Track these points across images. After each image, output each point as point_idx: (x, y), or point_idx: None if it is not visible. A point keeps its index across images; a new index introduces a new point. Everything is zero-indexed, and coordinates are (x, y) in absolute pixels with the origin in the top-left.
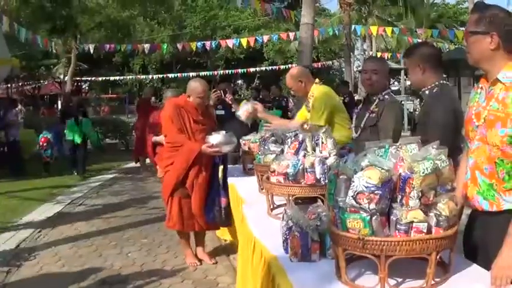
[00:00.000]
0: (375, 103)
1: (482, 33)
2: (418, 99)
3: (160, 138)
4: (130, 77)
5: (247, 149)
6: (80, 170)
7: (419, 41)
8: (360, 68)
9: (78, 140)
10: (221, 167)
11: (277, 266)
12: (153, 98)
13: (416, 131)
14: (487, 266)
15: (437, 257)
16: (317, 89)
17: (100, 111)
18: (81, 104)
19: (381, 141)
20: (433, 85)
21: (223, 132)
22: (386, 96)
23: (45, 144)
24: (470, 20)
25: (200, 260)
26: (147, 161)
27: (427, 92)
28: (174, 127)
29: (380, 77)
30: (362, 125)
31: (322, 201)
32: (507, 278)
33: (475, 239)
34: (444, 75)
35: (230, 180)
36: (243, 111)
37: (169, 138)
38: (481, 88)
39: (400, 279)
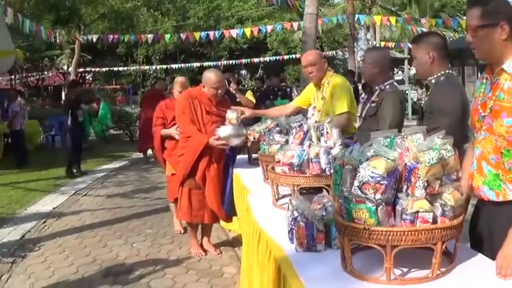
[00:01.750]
0: (376, 93)
1: (491, 26)
2: (424, 89)
3: (169, 131)
4: (134, 67)
5: (252, 139)
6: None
7: (424, 30)
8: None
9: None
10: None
11: (283, 257)
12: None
13: (424, 120)
14: (492, 255)
15: (443, 246)
16: (335, 78)
17: (116, 101)
18: (80, 97)
19: (386, 131)
20: (439, 74)
21: (234, 124)
22: (387, 86)
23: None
24: (473, 15)
25: (205, 251)
26: (149, 151)
27: (433, 81)
28: (185, 118)
29: (366, 65)
30: (363, 115)
31: (328, 191)
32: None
33: (481, 229)
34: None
35: (235, 171)
36: (232, 119)
37: (181, 129)
38: (486, 78)
39: (405, 269)
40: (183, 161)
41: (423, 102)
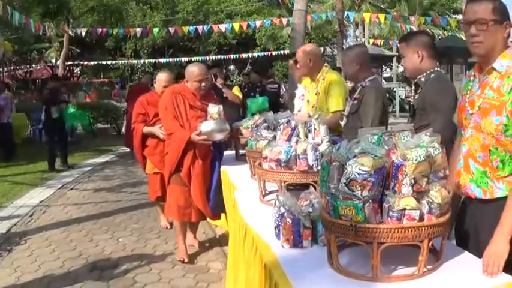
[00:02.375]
0: (358, 90)
1: (500, 22)
2: (413, 87)
3: (153, 129)
4: (122, 61)
5: (239, 135)
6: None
7: (413, 27)
8: None
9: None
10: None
11: (269, 253)
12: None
13: (416, 117)
14: (478, 253)
15: (430, 244)
16: (331, 74)
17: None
18: (56, 91)
19: (371, 128)
20: (428, 72)
21: (216, 119)
22: (367, 83)
23: None
24: (485, 9)
25: (192, 258)
26: None
27: (422, 79)
28: (168, 114)
29: (347, 65)
30: (347, 113)
31: (314, 187)
32: (498, 265)
33: (467, 226)
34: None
35: (222, 167)
36: (213, 113)
37: (164, 126)
38: (474, 76)
39: (392, 266)
40: (168, 159)
41: (412, 100)
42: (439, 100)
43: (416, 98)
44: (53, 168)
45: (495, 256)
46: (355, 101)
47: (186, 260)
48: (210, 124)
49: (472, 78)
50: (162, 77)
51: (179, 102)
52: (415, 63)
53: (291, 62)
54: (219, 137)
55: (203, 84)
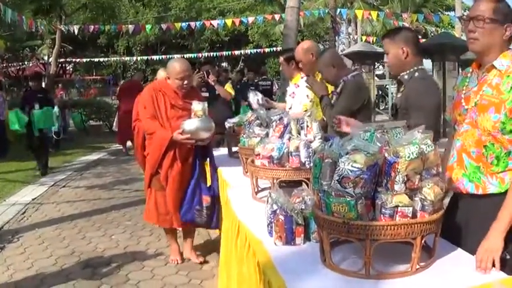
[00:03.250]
0: (340, 86)
1: (499, 22)
2: (396, 84)
3: None
4: (115, 58)
5: (232, 132)
6: (39, 166)
7: (406, 25)
8: (344, 52)
9: (19, 129)
10: (207, 161)
11: (262, 250)
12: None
13: (399, 117)
14: (466, 248)
15: (422, 241)
16: None
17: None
18: (42, 90)
19: (366, 125)
20: (412, 70)
21: (201, 116)
22: (349, 78)
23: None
24: (486, 7)
25: (186, 260)
26: (129, 143)
27: (406, 76)
28: (146, 113)
29: (324, 70)
30: None
31: (307, 184)
32: (492, 261)
33: (455, 221)
34: (429, 60)
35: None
36: (198, 111)
37: (143, 125)
38: (471, 73)
39: (385, 263)
40: (148, 161)
41: (394, 98)
42: (422, 100)
43: (399, 96)
44: (45, 173)
45: (489, 251)
46: (336, 96)
47: (180, 261)
48: (195, 122)
49: (469, 75)
50: (162, 74)
51: (159, 100)
52: (399, 60)
53: (281, 59)
54: (204, 135)
55: (185, 82)
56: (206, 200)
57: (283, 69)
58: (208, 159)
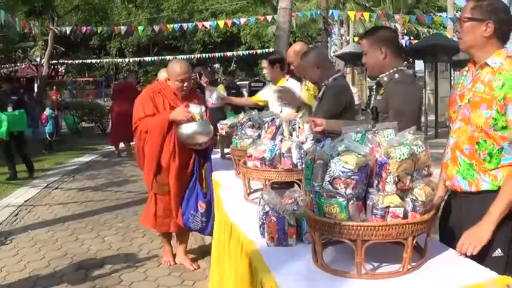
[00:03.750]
0: (322, 89)
1: (478, 21)
2: (374, 86)
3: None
4: (107, 60)
5: (224, 134)
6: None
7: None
8: (337, 53)
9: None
10: (206, 165)
11: (254, 251)
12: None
13: (379, 121)
14: None
15: (414, 241)
16: None
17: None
18: (16, 92)
19: (358, 126)
20: (392, 71)
21: (198, 120)
22: (330, 81)
23: (43, 121)
24: (467, 7)
25: (180, 265)
26: (121, 145)
27: (385, 78)
28: (142, 112)
29: (309, 70)
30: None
31: (299, 185)
32: (474, 248)
33: (450, 220)
34: (421, 61)
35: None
36: (195, 114)
37: (140, 126)
38: (467, 71)
39: (376, 264)
40: (148, 156)
41: (373, 100)
42: (404, 103)
43: (378, 98)
44: (14, 178)
45: (471, 237)
46: (318, 100)
47: (172, 263)
48: (193, 126)
49: (465, 73)
50: (164, 75)
51: (158, 101)
52: (378, 61)
53: (265, 63)
54: (201, 139)
55: (185, 84)
56: (202, 206)
57: (267, 72)
58: (206, 164)
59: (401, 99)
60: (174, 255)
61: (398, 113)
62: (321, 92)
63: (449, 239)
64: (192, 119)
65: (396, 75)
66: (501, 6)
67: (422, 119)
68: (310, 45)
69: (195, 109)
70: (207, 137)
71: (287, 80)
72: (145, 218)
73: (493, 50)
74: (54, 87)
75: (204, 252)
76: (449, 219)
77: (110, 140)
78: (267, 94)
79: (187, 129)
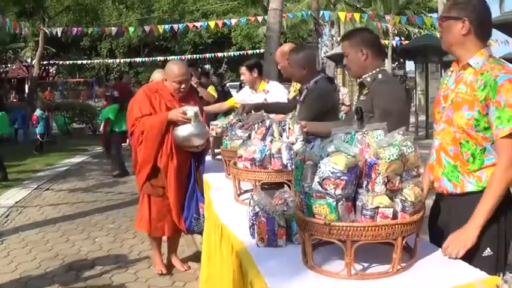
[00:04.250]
0: (304, 93)
1: (454, 19)
2: (357, 87)
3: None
4: (98, 61)
5: (214, 134)
6: None
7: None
8: (327, 54)
9: None
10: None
11: (244, 252)
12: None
13: (365, 121)
14: None
15: (403, 242)
16: None
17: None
18: None
19: (347, 128)
20: (374, 72)
21: (194, 121)
22: (311, 84)
23: (34, 122)
24: (446, 6)
25: (171, 269)
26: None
27: (368, 79)
28: (138, 113)
29: (294, 68)
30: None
31: (289, 186)
32: (458, 252)
33: (439, 222)
34: (412, 61)
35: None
36: (190, 116)
37: (135, 126)
38: (452, 71)
39: (366, 264)
40: (143, 156)
41: (356, 101)
42: (390, 103)
43: (362, 99)
44: (5, 179)
45: (455, 241)
46: (300, 103)
47: (165, 272)
48: (189, 128)
49: (449, 73)
50: (157, 76)
51: (155, 101)
52: (359, 62)
53: (243, 68)
54: (198, 142)
55: (183, 86)
56: (203, 208)
57: (245, 78)
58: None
59: (386, 99)
60: (164, 264)
61: (385, 112)
62: (302, 95)
63: (439, 240)
64: (187, 122)
65: (379, 76)
66: (478, 3)
67: (413, 120)
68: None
69: (190, 111)
70: (203, 139)
71: (268, 82)
72: (139, 223)
73: (474, 49)
74: (48, 88)
75: (195, 253)
76: (438, 220)
77: (100, 140)
78: (243, 97)
79: (183, 131)
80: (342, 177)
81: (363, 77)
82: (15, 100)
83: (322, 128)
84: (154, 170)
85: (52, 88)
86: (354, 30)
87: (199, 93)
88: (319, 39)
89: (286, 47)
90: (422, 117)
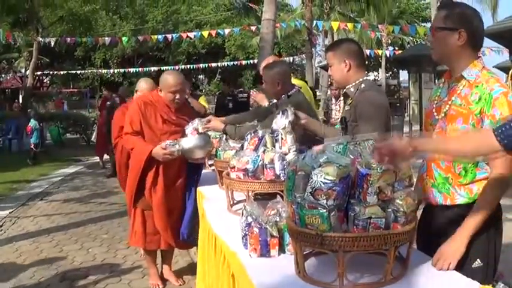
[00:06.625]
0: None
1: (450, 29)
2: (342, 97)
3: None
4: (92, 71)
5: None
6: None
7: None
8: (321, 64)
9: None
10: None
11: (236, 262)
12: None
13: (349, 130)
14: None
15: (396, 252)
16: (295, 81)
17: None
18: None
19: (339, 138)
20: (357, 82)
21: (200, 134)
22: (285, 98)
23: (29, 132)
24: (438, 17)
25: (165, 280)
26: (106, 156)
27: (352, 89)
28: (129, 128)
29: (268, 85)
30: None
31: (282, 197)
32: (448, 265)
33: (428, 233)
34: (405, 71)
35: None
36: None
37: (124, 141)
38: (443, 83)
39: (358, 274)
40: (129, 178)
41: (341, 111)
42: (373, 112)
43: (346, 109)
44: None
45: (444, 254)
46: None
47: (161, 286)
48: (193, 140)
49: (441, 85)
50: (143, 86)
51: (149, 114)
52: (342, 72)
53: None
54: (199, 154)
55: (177, 96)
56: None
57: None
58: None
59: (367, 105)
60: (160, 277)
61: (366, 118)
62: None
63: (427, 250)
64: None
65: (362, 85)
66: (473, 14)
67: (406, 129)
68: (295, 56)
69: (195, 123)
70: (206, 152)
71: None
72: (133, 239)
73: (468, 60)
74: (60, 96)
75: (189, 264)
76: (427, 231)
77: (95, 151)
78: None
79: (187, 143)
80: (333, 188)
81: (347, 87)
82: (10, 110)
83: (318, 127)
84: (143, 185)
85: (45, 98)
86: (339, 40)
87: (190, 104)
88: (313, 49)
89: (271, 59)
90: (416, 127)
